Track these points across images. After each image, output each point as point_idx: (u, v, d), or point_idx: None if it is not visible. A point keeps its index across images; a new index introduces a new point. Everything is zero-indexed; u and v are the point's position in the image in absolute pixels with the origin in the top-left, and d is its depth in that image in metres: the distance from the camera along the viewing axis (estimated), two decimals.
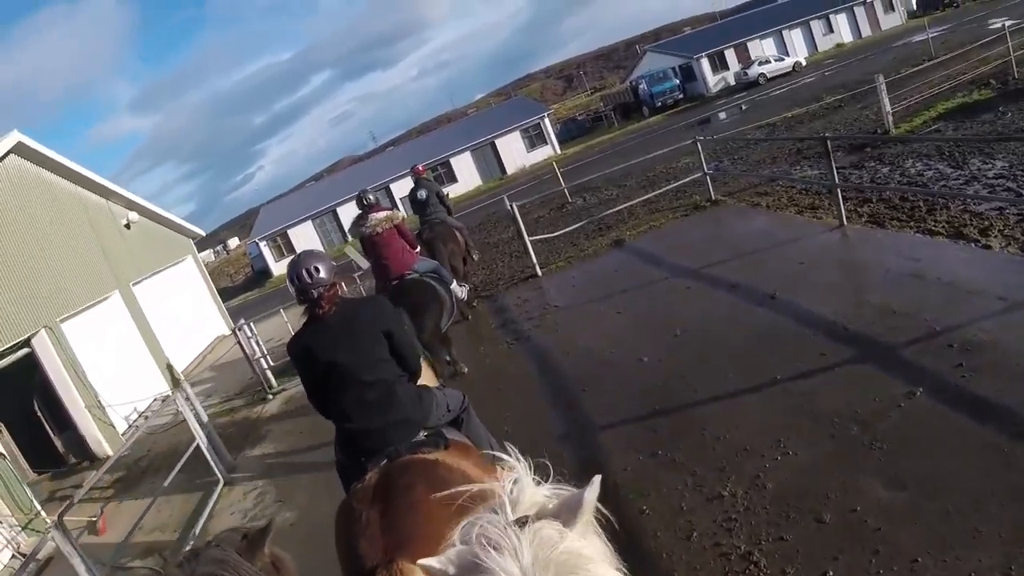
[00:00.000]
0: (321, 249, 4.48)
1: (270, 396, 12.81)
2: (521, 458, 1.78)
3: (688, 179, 15.04)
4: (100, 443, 14.60)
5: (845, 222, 9.90)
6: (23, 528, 11.37)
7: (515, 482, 1.61)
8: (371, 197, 9.00)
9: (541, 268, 13.21)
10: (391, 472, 3.47)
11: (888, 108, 16.27)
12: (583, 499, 1.45)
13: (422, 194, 11.75)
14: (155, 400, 16.95)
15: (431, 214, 11.64)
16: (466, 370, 9.39)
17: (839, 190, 9.92)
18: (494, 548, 1.34)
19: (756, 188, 13.92)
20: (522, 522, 1.40)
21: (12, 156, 15.44)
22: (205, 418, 10.12)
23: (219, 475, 9.57)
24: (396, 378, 3.91)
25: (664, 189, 15.56)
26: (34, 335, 14.16)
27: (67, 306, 15.42)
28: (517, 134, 50.05)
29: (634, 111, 55.30)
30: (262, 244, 50.13)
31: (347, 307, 3.93)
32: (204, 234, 25.47)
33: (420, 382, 4.27)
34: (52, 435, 15.60)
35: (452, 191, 46.40)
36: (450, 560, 1.43)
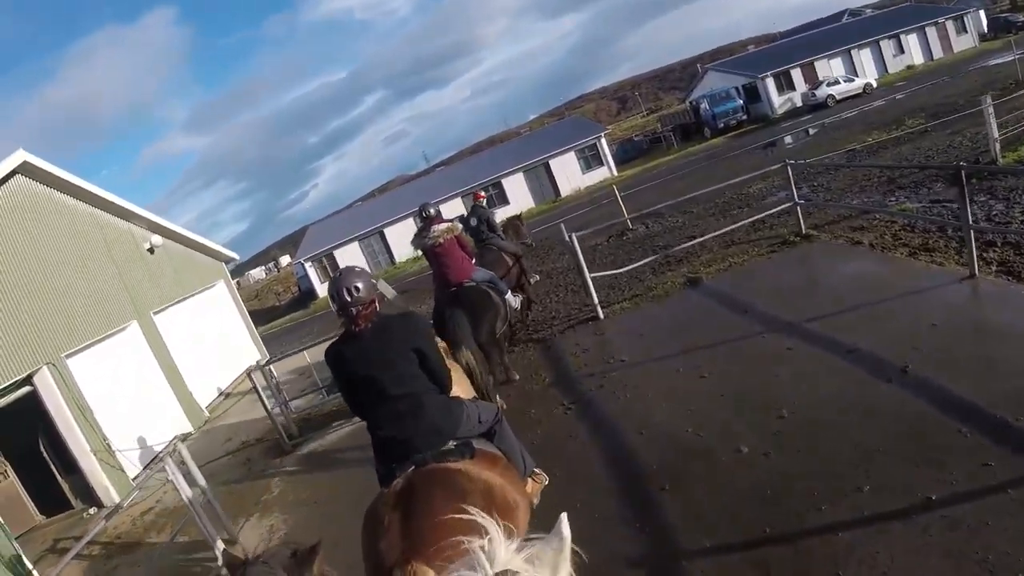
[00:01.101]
0: (358, 270, 4.34)
1: (288, 449, 11.29)
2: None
3: (775, 209, 13.17)
4: (107, 490, 13.23)
5: (977, 272, 8.00)
6: None
7: (489, 538, 1.57)
8: (432, 210, 9.32)
9: (603, 308, 11.44)
10: (415, 479, 3.68)
11: (995, 134, 14.21)
12: (562, 538, 1.47)
13: (473, 221, 11.85)
14: (173, 441, 15.59)
15: (485, 240, 11.63)
16: (517, 377, 9.74)
17: (971, 231, 7.98)
18: None
19: (850, 221, 11.97)
20: None
21: (18, 177, 14.19)
22: (202, 483, 8.67)
23: (215, 551, 8.12)
24: (425, 390, 4.10)
25: (745, 221, 13.51)
26: (35, 372, 12.83)
27: (75, 339, 14.07)
28: (572, 155, 48.20)
29: (694, 132, 53.01)
30: (307, 265, 49.05)
31: (382, 323, 4.13)
32: (238, 257, 24.02)
33: (456, 393, 4.43)
34: (59, 477, 14.33)
35: (503, 213, 45.39)
36: None
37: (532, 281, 12.59)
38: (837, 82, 46.02)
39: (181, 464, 8.47)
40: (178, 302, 18.84)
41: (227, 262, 22.81)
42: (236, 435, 14.05)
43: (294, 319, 41.90)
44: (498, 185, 47.78)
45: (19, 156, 13.96)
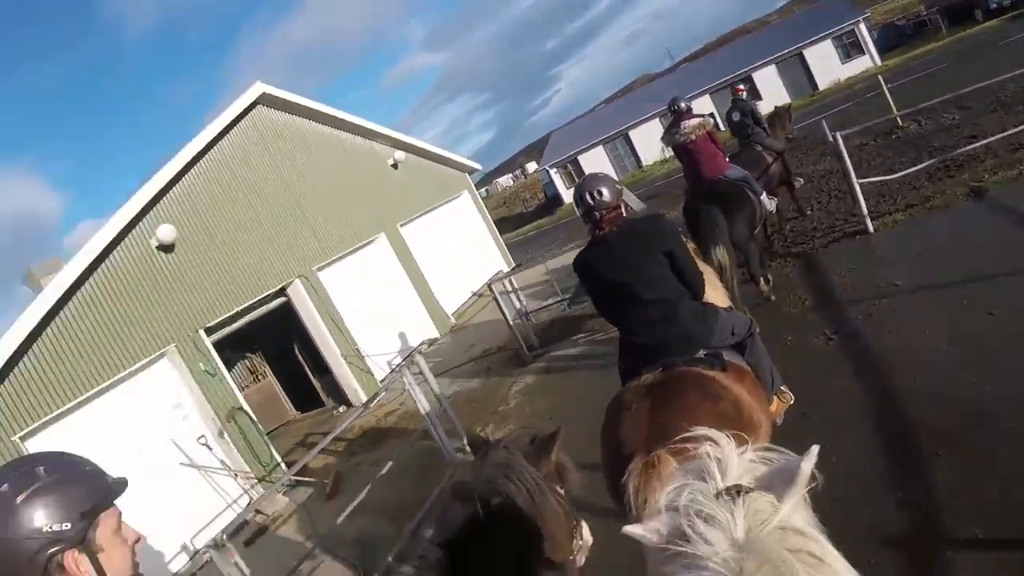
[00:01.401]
0: (602, 175, 4.26)
1: (529, 360, 11.15)
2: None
3: None
4: (356, 392, 14.00)
5: None
6: (259, 481, 11.23)
7: (721, 448, 1.49)
8: (682, 104, 8.87)
9: (872, 220, 9.97)
10: (668, 377, 3.55)
11: None
12: (799, 469, 1.34)
13: (735, 116, 11.20)
14: (420, 345, 16.18)
15: (750, 135, 11.02)
16: (772, 297, 8.70)
17: None
18: (704, 519, 1.29)
19: None
20: (733, 492, 1.33)
21: (259, 107, 14.82)
22: (437, 390, 8.71)
23: (449, 461, 8.32)
24: (678, 296, 3.95)
25: None
26: (288, 285, 13.61)
27: (326, 254, 14.85)
28: (828, 43, 43.50)
29: (965, 15, 46.55)
30: (552, 171, 49.03)
31: (629, 227, 4.03)
32: (480, 168, 23.96)
33: (709, 300, 4.19)
34: (312, 378, 15.37)
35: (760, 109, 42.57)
36: (657, 528, 1.39)
37: (797, 184, 11.59)
38: None
39: (418, 374, 8.52)
40: (423, 214, 19.26)
41: (470, 172, 22.95)
42: (480, 341, 14.21)
43: (540, 226, 42.28)
44: (749, 80, 43.90)
45: (257, 88, 14.57)
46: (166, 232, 11.44)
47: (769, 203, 8.94)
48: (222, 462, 11.10)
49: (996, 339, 5.72)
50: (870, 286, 7.98)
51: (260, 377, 16.56)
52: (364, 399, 13.52)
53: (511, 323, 11.26)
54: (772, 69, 43.34)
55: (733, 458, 1.46)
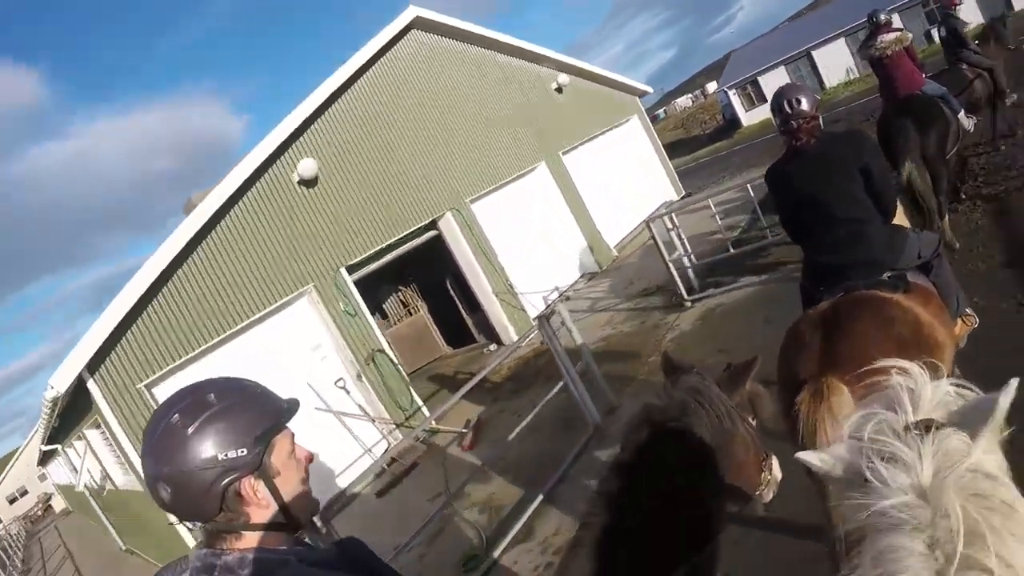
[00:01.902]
0: (800, 85, 4.18)
1: (687, 303, 10.25)
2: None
3: None
4: (507, 330, 13.51)
5: None
6: (397, 427, 10.94)
7: (915, 379, 1.38)
8: (882, 17, 8.73)
9: None
10: (843, 303, 3.46)
11: None
12: (996, 404, 1.24)
13: (941, 32, 10.61)
14: (578, 280, 15.45)
15: (957, 54, 10.16)
16: (957, 244, 7.56)
17: None
18: (888, 457, 1.20)
19: None
20: (923, 427, 1.24)
21: (413, 32, 14.16)
22: (579, 341, 8.07)
23: (589, 421, 7.66)
24: (869, 217, 3.85)
25: None
26: (439, 218, 13.10)
27: (481, 184, 14.24)
28: None
29: None
30: (731, 93, 46.39)
31: (827, 141, 3.96)
32: (651, 91, 22.52)
33: (897, 221, 4.09)
34: (464, 314, 14.97)
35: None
36: (837, 460, 1.33)
37: (1009, 101, 10.42)
38: None
39: (561, 327, 7.82)
40: (588, 140, 18.28)
41: (641, 96, 21.64)
42: (640, 278, 13.31)
43: (717, 150, 40.09)
44: None
45: (410, 12, 13.89)
46: (307, 167, 11.11)
47: (968, 121, 8.42)
48: (360, 407, 10.86)
49: None
50: None
51: (413, 311, 16.34)
52: (515, 337, 13.00)
53: (669, 264, 10.29)
54: None
55: (927, 390, 1.36)
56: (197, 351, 9.55)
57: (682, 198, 20.68)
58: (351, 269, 11.69)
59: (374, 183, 12.28)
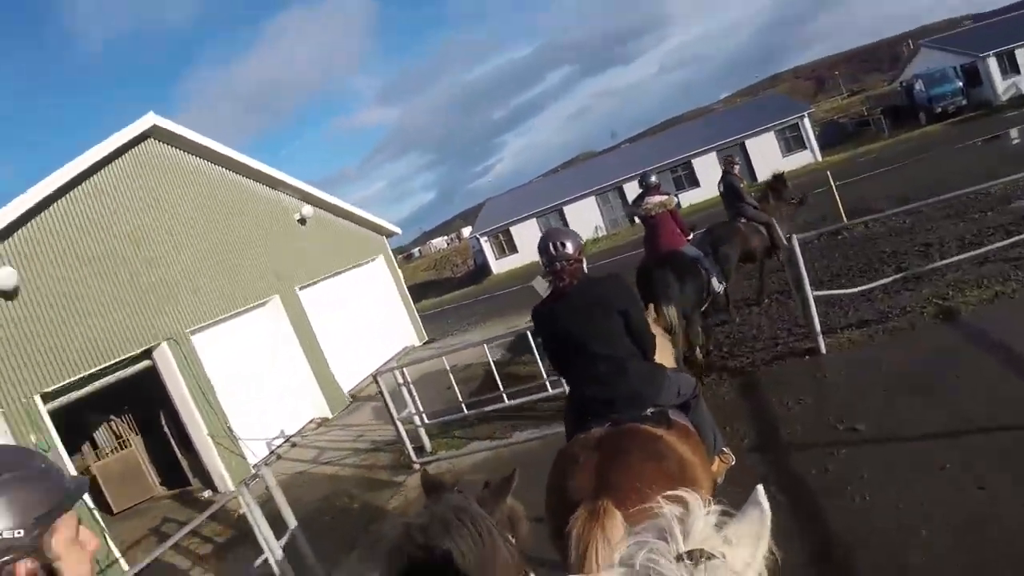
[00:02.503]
0: (566, 229, 4.42)
1: (415, 466, 9.51)
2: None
3: None
4: (223, 477, 12.07)
5: None
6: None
7: (687, 509, 1.38)
8: (653, 180, 9.34)
9: (825, 339, 8.52)
10: (614, 434, 3.61)
11: None
12: (760, 510, 1.33)
13: (720, 188, 11.73)
14: (307, 425, 14.32)
15: (737, 209, 11.32)
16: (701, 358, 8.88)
17: None
18: None
19: None
20: (697, 555, 1.25)
21: (150, 141, 13.12)
22: (292, 524, 7.00)
23: None
24: (629, 354, 4.06)
25: (1000, 244, 9.44)
26: (155, 347, 11.70)
27: (205, 313, 13.03)
28: (771, 135, 43.38)
29: (907, 116, 46.82)
30: (483, 240, 47.62)
31: (588, 283, 4.15)
32: (400, 232, 22.29)
33: (658, 360, 4.33)
34: (178, 454, 13.37)
35: (692, 197, 42.18)
36: None
37: (780, 257, 11.22)
38: None
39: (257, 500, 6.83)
40: (329, 277, 17.55)
41: (389, 236, 21.31)
42: (373, 429, 12.51)
43: (465, 295, 40.39)
44: (688, 166, 44.02)
45: (149, 119, 12.88)
46: (6, 276, 9.57)
47: (719, 284, 9.14)
48: None
49: (996, 530, 4.26)
50: (824, 427, 6.54)
51: (125, 444, 14.38)
52: (231, 486, 11.58)
53: (397, 423, 9.61)
54: (712, 157, 42.36)
55: (698, 519, 1.34)
56: None
57: (424, 344, 20.25)
58: (48, 397, 10.08)
59: (84, 301, 10.80)
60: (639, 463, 3.27)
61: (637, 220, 9.92)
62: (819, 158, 42.15)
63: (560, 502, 3.26)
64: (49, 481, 1.43)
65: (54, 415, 10.18)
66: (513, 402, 9.37)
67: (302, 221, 16.76)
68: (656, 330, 4.70)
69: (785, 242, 10.04)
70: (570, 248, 4.07)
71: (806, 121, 43.78)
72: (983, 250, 9.27)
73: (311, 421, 14.63)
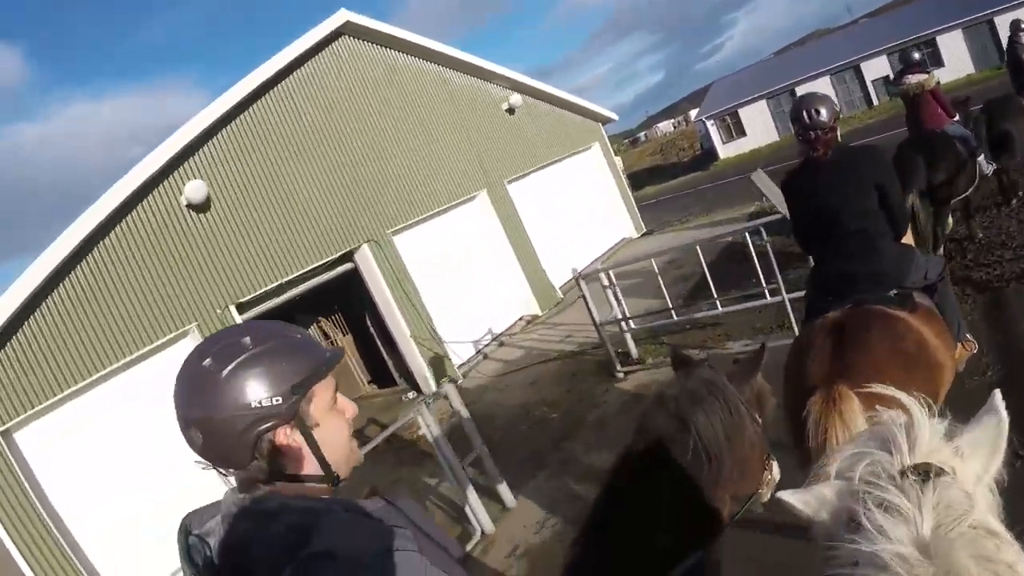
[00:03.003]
0: (821, 95, 4.04)
1: (620, 374, 8.87)
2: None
3: None
4: (427, 379, 11.98)
5: None
6: None
7: (912, 415, 1.27)
8: (916, 56, 8.87)
9: None
10: (854, 315, 3.48)
11: None
12: (998, 423, 1.20)
13: (1007, 57, 10.58)
14: (516, 324, 14.01)
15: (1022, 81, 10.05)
16: (980, 234, 8.43)
17: None
18: (884, 505, 1.10)
19: None
20: (922, 472, 1.13)
21: (344, 39, 12.69)
22: (478, 444, 6.65)
23: (476, 524, 6.43)
24: (881, 231, 3.84)
25: None
26: (356, 250, 11.63)
27: (407, 213, 12.78)
28: None
29: None
30: (709, 123, 45.17)
31: (844, 153, 3.94)
32: (616, 118, 20.73)
33: (906, 242, 4.10)
34: (384, 354, 13.51)
35: (939, 78, 37.57)
36: (823, 504, 1.23)
37: None
38: None
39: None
40: (540, 168, 16.79)
41: (604, 123, 20.06)
42: (580, 330, 11.75)
43: (691, 182, 38.71)
44: (932, 43, 38.82)
45: (341, 16, 12.40)
46: (196, 189, 9.63)
47: (987, 166, 8.42)
48: None
49: None
50: None
51: (334, 343, 14.82)
52: (434, 387, 11.47)
53: (600, 330, 8.99)
54: (958, 34, 37.61)
55: (924, 429, 1.23)
56: (63, 394, 8.17)
57: (642, 235, 19.30)
58: (244, 307, 10.20)
59: (277, 209, 10.78)
60: (877, 346, 3.22)
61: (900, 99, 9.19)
62: None
63: (797, 388, 3.22)
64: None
65: (269, 315, 10.31)
66: (727, 309, 8.46)
67: (510, 111, 16.01)
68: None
69: None
70: (825, 116, 3.85)
71: None
72: None
73: (520, 319, 14.29)
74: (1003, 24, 37.02)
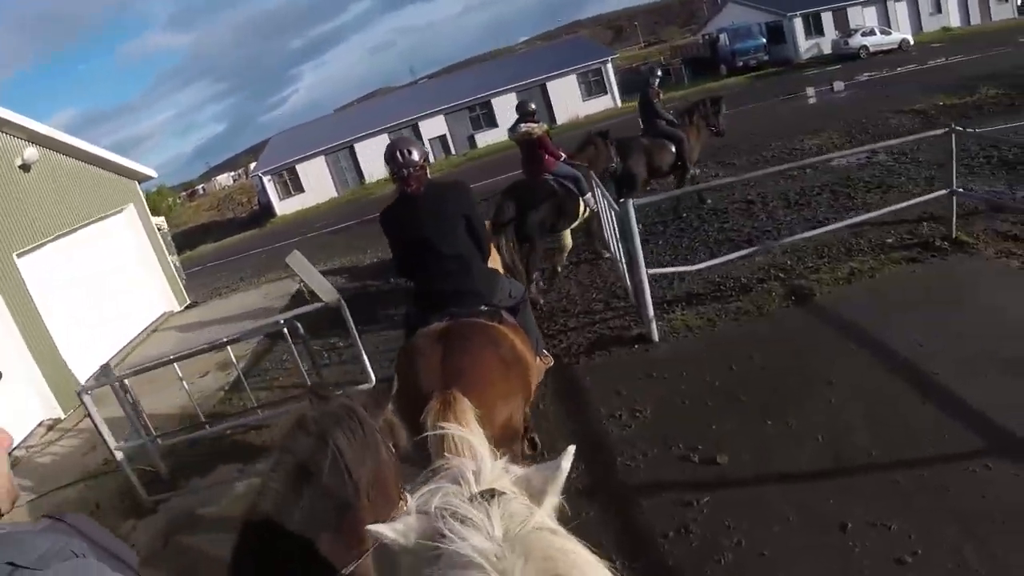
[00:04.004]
0: (411, 138, 4.96)
1: (148, 506, 7.13)
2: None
3: (912, 202, 8.22)
4: None
5: None
6: None
7: (475, 455, 1.53)
8: (530, 107, 9.71)
9: (657, 324, 7.08)
10: (456, 326, 3.98)
11: None
12: (559, 468, 1.40)
13: (639, 96, 12.44)
14: (35, 430, 11.36)
15: (650, 122, 11.82)
16: (539, 300, 8.96)
17: None
18: (460, 521, 1.24)
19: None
20: (487, 495, 1.31)
21: None
22: None
23: None
24: (472, 255, 4.41)
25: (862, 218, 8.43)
26: None
27: None
28: (573, 78, 43.56)
29: (708, 67, 47.98)
30: (266, 179, 44.03)
31: (435, 188, 4.43)
32: (155, 175, 18.72)
33: (491, 267, 4.78)
34: None
35: (489, 138, 40.94)
36: (410, 529, 1.34)
37: (688, 175, 11.97)
38: (872, 33, 41.18)
39: None
40: (63, 235, 14.12)
41: (141, 181, 17.79)
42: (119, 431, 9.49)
43: (245, 241, 36.56)
44: (487, 105, 43.19)
45: None
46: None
47: (592, 203, 9.53)
48: None
49: None
50: (664, 452, 5.07)
51: None
52: None
53: (115, 453, 7.16)
54: (512, 97, 41.05)
55: (487, 465, 1.43)
56: None
57: (185, 308, 17.34)
58: None
59: None
60: (479, 349, 3.73)
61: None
62: (619, 103, 42.56)
63: (412, 395, 3.48)
64: None
65: None
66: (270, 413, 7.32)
67: (25, 168, 13.25)
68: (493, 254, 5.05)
69: (691, 166, 11.63)
70: (416, 155, 4.27)
71: (609, 66, 44.11)
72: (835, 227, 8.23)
73: (39, 425, 11.61)
74: (553, 89, 42.68)
